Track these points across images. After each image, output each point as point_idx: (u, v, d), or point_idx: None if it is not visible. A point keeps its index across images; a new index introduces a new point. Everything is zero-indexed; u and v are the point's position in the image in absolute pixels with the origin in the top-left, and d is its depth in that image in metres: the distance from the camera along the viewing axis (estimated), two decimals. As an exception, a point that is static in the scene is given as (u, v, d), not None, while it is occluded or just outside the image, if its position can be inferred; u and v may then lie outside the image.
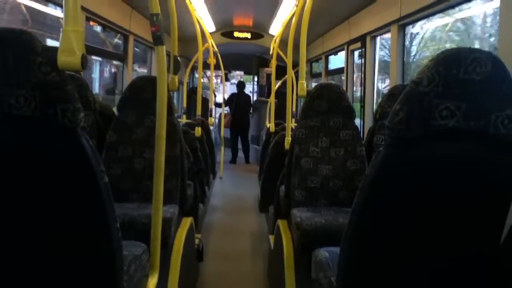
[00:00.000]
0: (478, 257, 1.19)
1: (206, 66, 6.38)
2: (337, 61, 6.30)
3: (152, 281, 1.67)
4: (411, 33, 4.73)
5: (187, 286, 2.61)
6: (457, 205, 1.15)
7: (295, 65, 5.20)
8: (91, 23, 3.84)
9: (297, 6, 3.19)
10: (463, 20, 4.11)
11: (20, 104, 1.06)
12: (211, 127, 6.27)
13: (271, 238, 3.11)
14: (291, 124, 3.53)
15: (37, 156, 1.09)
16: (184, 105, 6.32)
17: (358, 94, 4.72)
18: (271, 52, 6.24)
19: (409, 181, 1.15)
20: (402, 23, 3.57)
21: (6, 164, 1.09)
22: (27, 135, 1.09)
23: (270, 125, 5.46)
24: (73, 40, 1.07)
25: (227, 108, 8.57)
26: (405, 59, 3.72)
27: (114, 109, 3.04)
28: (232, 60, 9.65)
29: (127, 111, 2.74)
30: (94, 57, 6.15)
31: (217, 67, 7.06)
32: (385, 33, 4.10)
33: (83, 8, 3.18)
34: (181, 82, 6.92)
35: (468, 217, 1.16)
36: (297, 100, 7.07)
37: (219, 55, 6.97)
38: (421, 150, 1.14)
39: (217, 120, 9.36)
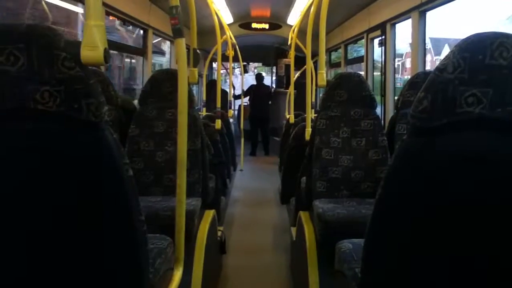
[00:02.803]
0: (507, 257, 1.16)
1: (224, 58, 6.38)
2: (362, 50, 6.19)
3: (177, 274, 1.69)
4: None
5: (211, 279, 2.63)
6: (483, 196, 1.13)
7: (314, 55, 5.15)
8: (111, 17, 3.87)
9: None
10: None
11: (45, 100, 1.08)
12: (230, 120, 6.28)
13: (293, 230, 3.11)
14: (311, 115, 3.51)
15: (62, 150, 1.11)
16: (204, 98, 6.34)
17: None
18: (289, 43, 6.20)
19: (433, 170, 1.13)
20: (423, 9, 3.49)
21: (32, 159, 1.10)
22: (52, 130, 1.10)
23: (290, 116, 5.44)
24: (96, 35, 1.08)
25: (246, 100, 8.57)
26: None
27: (136, 103, 3.07)
28: (250, 51, 9.63)
29: (148, 104, 2.76)
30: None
31: (235, 59, 7.05)
32: (405, 20, 4.03)
33: (103, 3, 3.20)
34: (200, 75, 6.94)
35: (496, 209, 1.13)
36: (316, 90, 7.02)
37: (237, 46, 6.96)
38: (446, 139, 1.12)
39: (236, 112, 9.38)
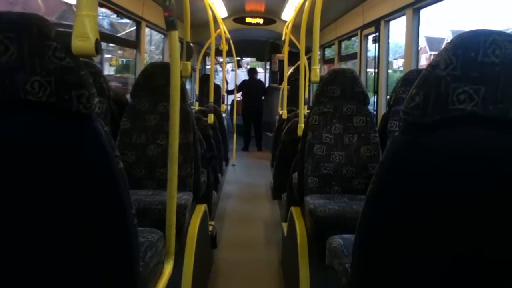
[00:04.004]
0: (498, 255, 1.16)
1: (218, 52, 6.35)
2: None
3: (168, 268, 1.68)
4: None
5: (202, 273, 2.63)
6: (475, 192, 1.13)
7: (308, 51, 5.15)
8: (104, 9, 3.84)
9: None
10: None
11: (35, 90, 1.07)
12: (223, 114, 6.27)
13: (284, 225, 3.11)
14: (304, 110, 3.51)
15: (52, 141, 1.10)
16: (197, 92, 6.32)
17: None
18: (283, 38, 6.19)
19: (425, 167, 1.13)
20: (417, 7, 3.50)
21: (22, 149, 1.09)
22: (42, 120, 1.09)
23: (283, 111, 5.44)
24: (87, 25, 1.06)
25: (239, 95, 8.56)
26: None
27: (128, 96, 3.05)
28: (244, 46, 9.60)
29: (140, 97, 2.75)
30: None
31: (229, 54, 7.03)
32: (399, 17, 4.03)
33: None
34: (193, 69, 6.91)
35: (487, 206, 1.13)
36: (309, 86, 7.02)
37: (231, 41, 6.93)
38: (437, 136, 1.12)
39: (229, 107, 9.37)
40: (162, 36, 5.98)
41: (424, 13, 3.91)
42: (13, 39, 1.05)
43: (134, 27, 4.66)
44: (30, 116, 1.09)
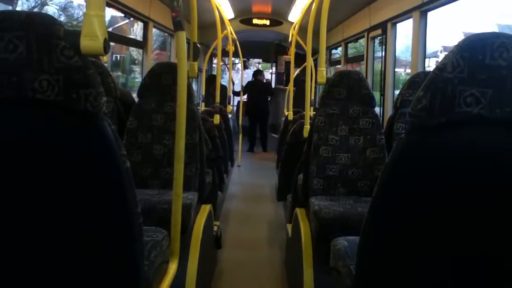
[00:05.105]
0: (505, 257, 1.15)
1: (224, 53, 6.36)
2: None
3: (172, 267, 1.69)
4: None
5: (206, 273, 2.63)
6: (481, 194, 1.13)
7: (314, 52, 5.15)
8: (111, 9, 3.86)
9: None
10: None
11: (43, 88, 1.07)
12: (229, 115, 6.28)
13: (289, 226, 3.11)
14: (309, 112, 3.51)
15: (59, 140, 1.10)
16: (203, 92, 6.33)
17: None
18: (290, 39, 6.19)
19: (430, 169, 1.13)
20: (424, 9, 3.49)
21: (29, 148, 1.10)
22: (50, 119, 1.10)
23: (289, 113, 5.44)
24: (96, 24, 1.07)
25: (245, 96, 8.58)
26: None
27: (134, 96, 3.07)
28: (251, 47, 9.62)
29: (147, 97, 2.76)
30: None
31: (235, 55, 7.04)
32: (406, 19, 4.03)
33: None
34: (200, 70, 6.93)
35: (493, 208, 1.13)
36: (315, 88, 7.03)
37: (237, 42, 6.94)
38: (444, 138, 1.12)
39: (234, 108, 9.38)
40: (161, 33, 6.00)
41: (462, 4, 3.81)
42: (21, 38, 1.06)
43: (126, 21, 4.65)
44: (38, 114, 1.10)
